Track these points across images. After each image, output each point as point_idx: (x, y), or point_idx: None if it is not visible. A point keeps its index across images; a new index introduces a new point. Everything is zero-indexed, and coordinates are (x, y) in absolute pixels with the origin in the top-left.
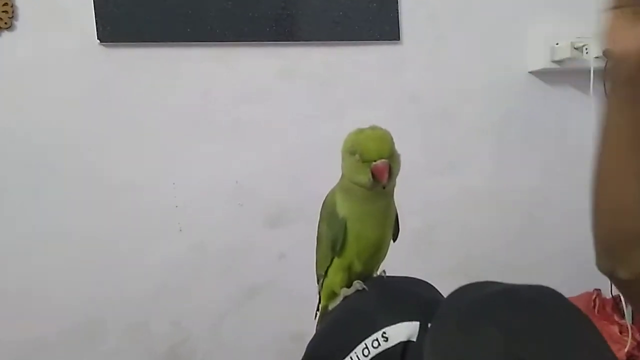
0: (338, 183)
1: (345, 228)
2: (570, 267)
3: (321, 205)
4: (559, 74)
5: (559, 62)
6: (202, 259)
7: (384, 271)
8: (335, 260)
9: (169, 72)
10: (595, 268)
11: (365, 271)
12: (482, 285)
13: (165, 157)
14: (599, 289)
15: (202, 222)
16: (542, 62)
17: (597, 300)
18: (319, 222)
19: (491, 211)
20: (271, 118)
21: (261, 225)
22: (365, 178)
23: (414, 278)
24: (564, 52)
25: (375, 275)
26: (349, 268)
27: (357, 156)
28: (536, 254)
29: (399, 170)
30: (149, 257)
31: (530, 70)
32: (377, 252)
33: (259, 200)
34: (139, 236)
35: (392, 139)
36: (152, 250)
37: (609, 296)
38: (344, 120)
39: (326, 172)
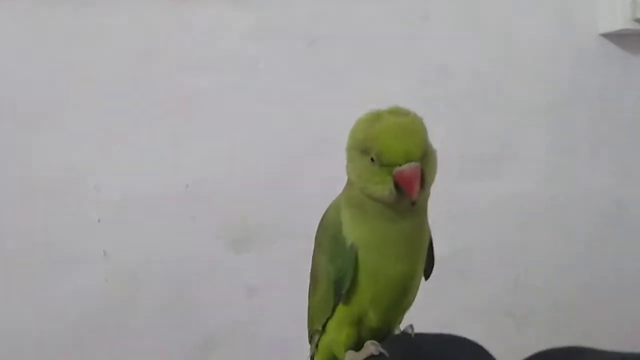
0: (343, 192)
1: (356, 261)
2: None
3: (318, 225)
4: None
5: None
6: (135, 295)
7: (410, 326)
8: (340, 309)
9: (87, 25)
10: None
11: (384, 326)
12: (571, 353)
13: (81, 149)
14: None
15: (135, 243)
16: (619, 21)
17: None
18: (315, 251)
19: (547, 227)
20: (237, 94)
21: (222, 247)
22: (384, 190)
23: (455, 337)
24: None
25: (397, 331)
26: (359, 321)
27: (372, 157)
28: (610, 287)
29: (434, 175)
30: (57, 290)
31: (602, 32)
32: (402, 298)
33: (219, 213)
34: (45, 261)
35: (425, 129)
36: (63, 281)
37: None
38: (342, 96)
39: (317, 172)
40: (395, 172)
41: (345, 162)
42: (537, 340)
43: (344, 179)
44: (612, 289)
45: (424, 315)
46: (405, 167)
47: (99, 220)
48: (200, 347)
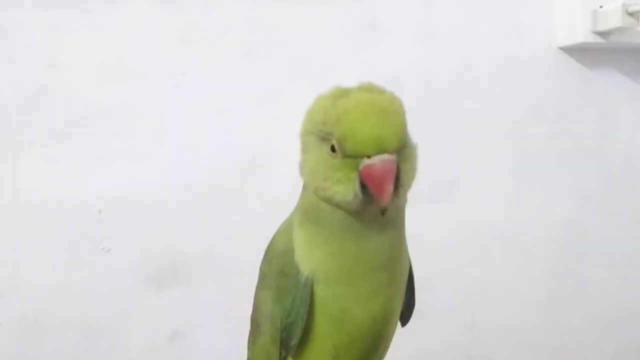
0: (297, 204)
1: (312, 300)
2: (619, 348)
3: (264, 252)
4: (604, 51)
5: (603, 34)
6: (35, 343)
7: None
8: None
9: None
10: None
11: None
12: None
13: None
14: None
15: (34, 280)
16: (579, 33)
17: None
18: (258, 286)
19: (507, 258)
20: (159, 105)
21: (142, 284)
22: (347, 191)
23: None
24: (612, 20)
25: None
26: None
27: (333, 145)
28: (571, 327)
29: (414, 177)
30: None
31: (561, 45)
32: (373, 350)
33: (138, 243)
34: None
35: (404, 113)
36: None
37: None
38: (281, 111)
39: (254, 196)
40: (363, 166)
41: (299, 155)
42: None
43: (285, 203)
44: (577, 327)
45: None
46: (376, 160)
47: None
48: None
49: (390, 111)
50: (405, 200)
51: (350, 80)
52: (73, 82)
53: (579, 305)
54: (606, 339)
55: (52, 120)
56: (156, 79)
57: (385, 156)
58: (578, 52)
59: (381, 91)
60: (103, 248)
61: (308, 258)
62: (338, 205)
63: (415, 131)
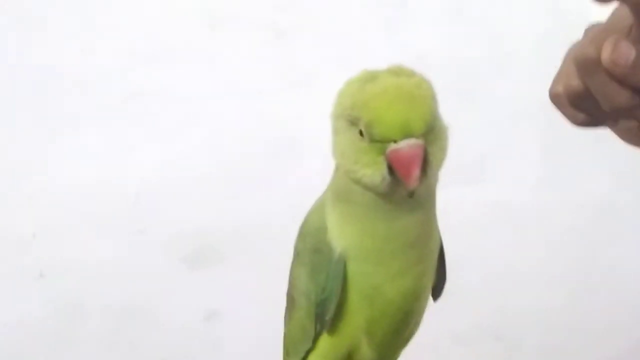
0: (329, 184)
1: (345, 277)
2: None
3: (297, 231)
4: None
5: None
6: (75, 322)
7: None
8: (324, 340)
9: (18, 15)
10: None
11: None
12: None
13: (11, 153)
14: None
15: (74, 260)
16: (611, 9)
17: None
18: (293, 264)
19: (538, 240)
20: (192, 90)
21: (176, 264)
22: (375, 174)
23: None
24: None
25: None
26: (348, 357)
27: (360, 129)
28: (603, 308)
29: (443, 158)
30: None
31: (595, 20)
32: (404, 325)
33: (172, 225)
34: None
35: (434, 97)
36: None
37: None
38: (311, 94)
39: (285, 178)
40: (389, 150)
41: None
42: None
43: (316, 184)
44: (607, 310)
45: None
46: (403, 144)
47: (33, 235)
48: None
49: (417, 95)
50: (436, 180)
51: (380, 60)
52: (107, 66)
53: (609, 288)
54: (636, 323)
55: (87, 105)
56: (188, 63)
57: (412, 141)
58: None
59: (410, 74)
60: (138, 230)
61: (340, 236)
62: (367, 188)
63: (444, 110)
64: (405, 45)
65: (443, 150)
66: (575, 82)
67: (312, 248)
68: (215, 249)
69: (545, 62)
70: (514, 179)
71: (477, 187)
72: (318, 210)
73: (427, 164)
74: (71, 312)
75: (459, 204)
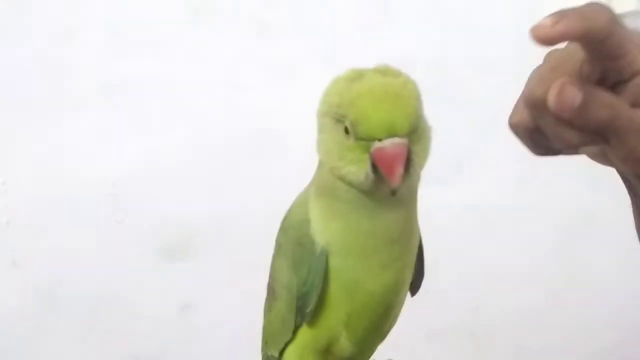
0: (313, 179)
1: (327, 271)
2: (626, 329)
3: (279, 224)
4: None
5: (619, 16)
6: (50, 312)
7: None
8: (303, 332)
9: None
10: None
11: (358, 357)
12: None
13: None
14: None
15: (49, 249)
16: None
17: None
18: (274, 255)
19: (515, 240)
20: (174, 78)
21: (153, 256)
22: (359, 172)
23: None
24: (628, 2)
25: None
26: (327, 350)
27: (346, 127)
28: (577, 307)
29: (426, 158)
30: None
31: None
32: (384, 319)
33: (150, 216)
34: None
35: (419, 97)
36: None
37: None
38: (294, 90)
39: (267, 171)
40: (374, 149)
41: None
42: None
43: (297, 179)
44: (582, 311)
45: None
46: (387, 143)
47: (7, 223)
48: None
49: (402, 95)
50: (418, 180)
51: (363, 59)
52: (89, 54)
53: (584, 288)
54: (611, 323)
55: (67, 93)
56: (171, 53)
57: (396, 140)
58: None
59: (396, 74)
60: (116, 220)
61: (323, 230)
62: (351, 184)
63: (426, 112)
64: (388, 45)
65: (426, 150)
66: (528, 118)
67: (294, 241)
68: (192, 241)
69: (525, 66)
70: (491, 181)
71: (455, 187)
72: (301, 204)
73: (410, 163)
74: (45, 301)
75: (437, 204)
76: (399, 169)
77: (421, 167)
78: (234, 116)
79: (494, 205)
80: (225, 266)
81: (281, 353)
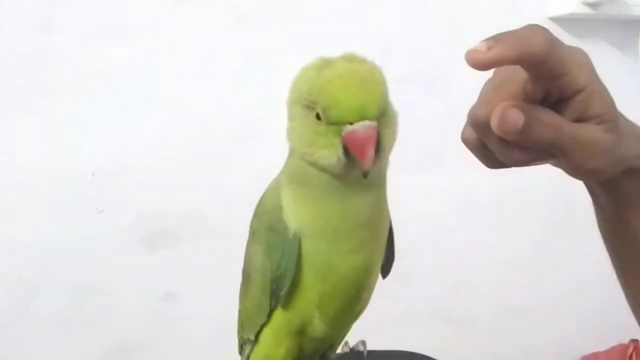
0: (284, 166)
1: (299, 254)
2: (598, 308)
3: (253, 211)
4: (593, 22)
5: (593, 5)
6: (30, 301)
7: (362, 342)
8: (278, 314)
9: None
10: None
11: (331, 336)
12: None
13: None
14: (638, 340)
15: (30, 240)
16: (569, 4)
17: (634, 355)
18: (249, 241)
19: (491, 226)
20: (153, 69)
21: (134, 245)
22: (331, 155)
23: (412, 354)
24: None
25: (345, 347)
26: (301, 331)
27: (318, 113)
28: (552, 289)
29: (394, 141)
30: None
31: (551, 15)
32: (355, 301)
33: (131, 205)
34: None
35: (385, 82)
36: None
37: None
38: (273, 78)
39: (246, 160)
40: (345, 132)
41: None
42: (477, 345)
43: (275, 167)
44: (557, 290)
45: (358, 319)
46: (358, 126)
47: None
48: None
49: (370, 80)
50: (386, 164)
51: (344, 49)
52: (67, 45)
53: (560, 271)
54: (587, 299)
55: (45, 83)
56: (150, 43)
57: (367, 122)
58: (568, 22)
59: (362, 61)
60: (96, 209)
61: (295, 215)
62: (323, 169)
63: (405, 100)
64: (367, 34)
65: (394, 133)
66: (475, 137)
67: (267, 227)
68: (173, 230)
69: None
70: (471, 167)
71: (436, 175)
72: (273, 190)
73: (379, 146)
74: (26, 291)
75: (418, 191)
76: (370, 151)
77: (390, 149)
78: (213, 106)
79: (474, 192)
80: (206, 255)
81: (257, 336)
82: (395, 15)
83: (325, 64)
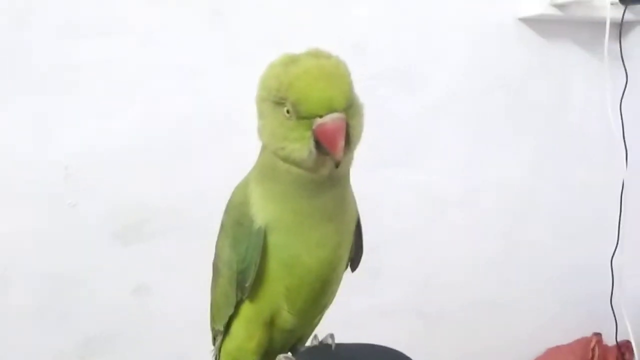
0: (255, 164)
1: (265, 247)
2: (563, 302)
3: (225, 206)
4: (561, 23)
5: (560, 6)
6: (3, 295)
7: (330, 335)
8: (246, 306)
9: None
10: (597, 306)
11: (300, 328)
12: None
13: None
14: (600, 334)
15: (3, 234)
16: (538, 6)
17: (597, 348)
18: (218, 236)
19: (460, 222)
20: (126, 64)
21: (107, 239)
22: (303, 149)
23: (380, 347)
24: None
25: (314, 340)
26: (271, 322)
27: (287, 108)
28: (519, 284)
29: (361, 133)
30: None
31: (521, 16)
32: (322, 293)
33: (104, 199)
34: None
35: (350, 75)
36: None
37: (612, 343)
38: (248, 73)
39: (220, 155)
40: (316, 125)
41: (256, 119)
42: (446, 339)
43: (250, 163)
44: (525, 284)
45: (329, 313)
46: (327, 119)
47: None
48: (77, 355)
49: (337, 74)
50: (352, 158)
51: (318, 44)
52: (41, 38)
53: (527, 263)
54: (553, 294)
55: (19, 77)
56: (123, 37)
57: (335, 115)
58: (537, 23)
59: (327, 56)
60: (69, 203)
61: (263, 210)
62: (295, 163)
63: (379, 96)
64: (341, 30)
65: (361, 124)
66: None
67: (234, 221)
68: (146, 223)
69: (474, 53)
70: (441, 164)
71: (407, 170)
72: (242, 187)
73: (348, 137)
74: None
75: (389, 185)
76: (341, 142)
77: (359, 139)
78: (187, 100)
79: (444, 187)
80: (179, 248)
81: (227, 327)
82: (370, 12)
83: (291, 60)
